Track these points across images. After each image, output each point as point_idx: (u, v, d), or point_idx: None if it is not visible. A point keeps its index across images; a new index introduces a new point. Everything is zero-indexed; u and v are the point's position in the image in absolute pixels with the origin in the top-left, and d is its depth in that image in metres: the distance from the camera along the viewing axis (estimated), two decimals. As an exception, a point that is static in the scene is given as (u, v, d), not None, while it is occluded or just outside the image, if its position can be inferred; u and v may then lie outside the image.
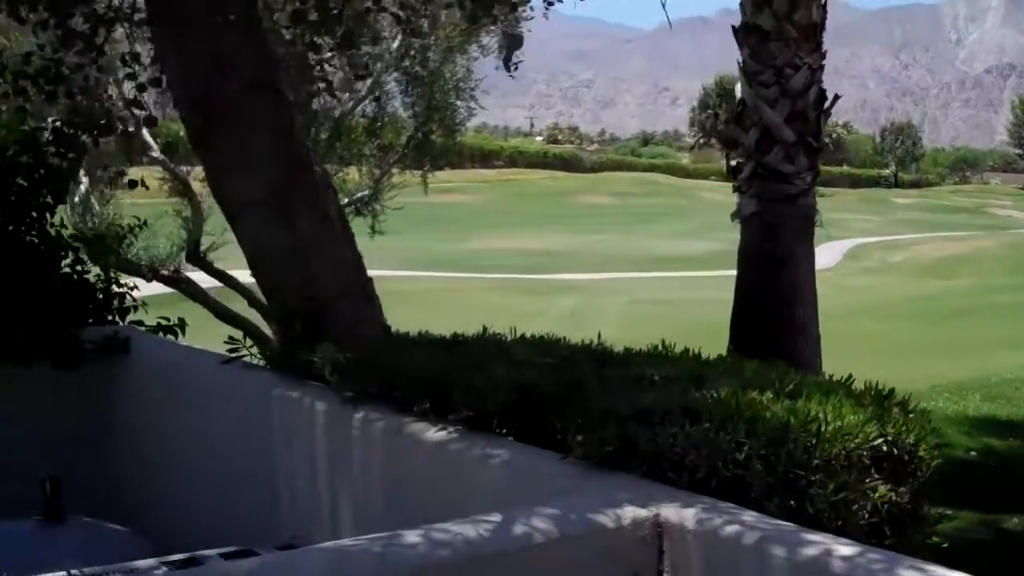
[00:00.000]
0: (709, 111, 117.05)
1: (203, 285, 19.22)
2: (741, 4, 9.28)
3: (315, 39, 6.37)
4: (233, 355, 5.35)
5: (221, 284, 19.72)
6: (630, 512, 3.31)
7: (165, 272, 18.44)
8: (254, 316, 18.73)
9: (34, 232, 6.75)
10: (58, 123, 6.75)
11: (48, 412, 6.22)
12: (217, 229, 18.30)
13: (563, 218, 70.57)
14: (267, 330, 18.52)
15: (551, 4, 5.84)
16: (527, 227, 64.55)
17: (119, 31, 6.81)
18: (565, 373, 4.34)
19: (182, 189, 20.32)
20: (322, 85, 7.22)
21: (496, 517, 3.26)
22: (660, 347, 4.94)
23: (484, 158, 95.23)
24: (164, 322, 6.96)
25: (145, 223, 7.33)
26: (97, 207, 16.06)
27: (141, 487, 6.01)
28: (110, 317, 6.79)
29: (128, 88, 8.78)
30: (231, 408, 5.36)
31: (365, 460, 4.55)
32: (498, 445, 4.04)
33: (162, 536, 5.20)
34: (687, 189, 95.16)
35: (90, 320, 6.56)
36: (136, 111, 6.77)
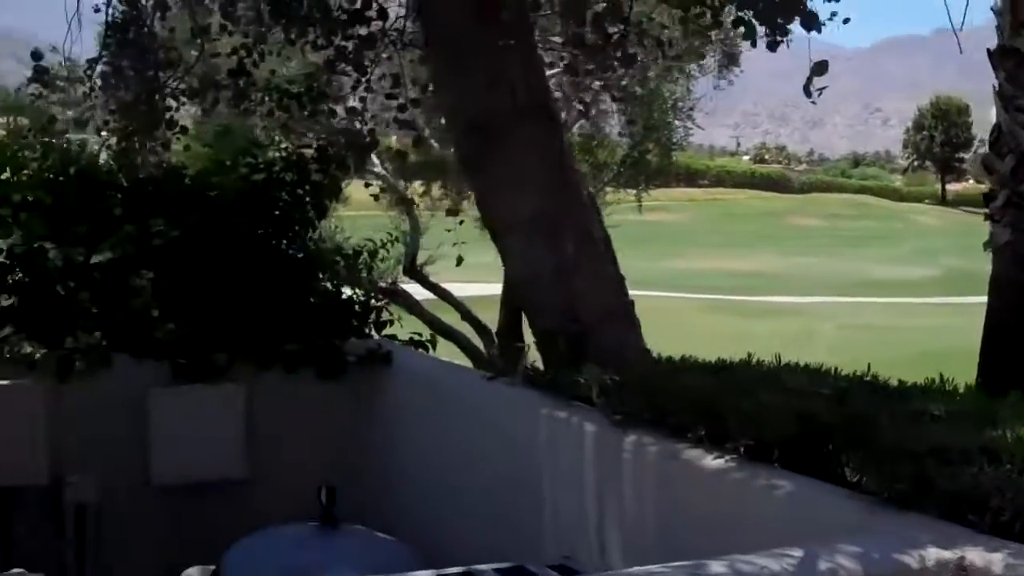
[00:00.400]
0: (924, 133, 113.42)
1: (417, 297, 19.64)
2: (997, 26, 8.96)
3: (574, 62, 6.43)
4: (496, 373, 5.43)
5: (435, 297, 20.14)
6: (933, 553, 3.21)
7: (383, 284, 18.94)
8: (467, 330, 19.06)
9: (295, 246, 7.00)
10: (322, 141, 7.00)
11: (315, 420, 6.45)
12: (433, 243, 18.70)
13: (771, 239, 69.39)
14: (479, 343, 18.84)
15: (811, 30, 5.75)
16: (734, 247, 63.70)
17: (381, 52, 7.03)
18: (846, 405, 4.25)
19: (403, 204, 20.83)
20: (579, 108, 7.31)
21: (798, 552, 3.21)
22: (937, 381, 4.81)
23: (690, 177, 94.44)
24: (416, 336, 7.13)
25: (397, 239, 7.51)
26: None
27: (402, 496, 6.15)
28: (365, 330, 6.97)
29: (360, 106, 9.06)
30: (496, 424, 5.43)
31: (636, 484, 4.54)
32: (780, 476, 3.97)
33: (422, 546, 5.31)
34: (900, 212, 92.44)
35: (350, 333, 6.74)
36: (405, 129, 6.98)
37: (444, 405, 5.95)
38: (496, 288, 26.52)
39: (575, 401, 5.01)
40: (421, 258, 19.71)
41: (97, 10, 9.29)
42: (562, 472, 4.96)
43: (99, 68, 8.38)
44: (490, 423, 5.51)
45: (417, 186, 22.43)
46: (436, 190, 22.62)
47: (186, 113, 9.17)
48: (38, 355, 5.83)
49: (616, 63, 5.61)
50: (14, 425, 5.85)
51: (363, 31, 6.21)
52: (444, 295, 20.44)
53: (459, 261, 12.89)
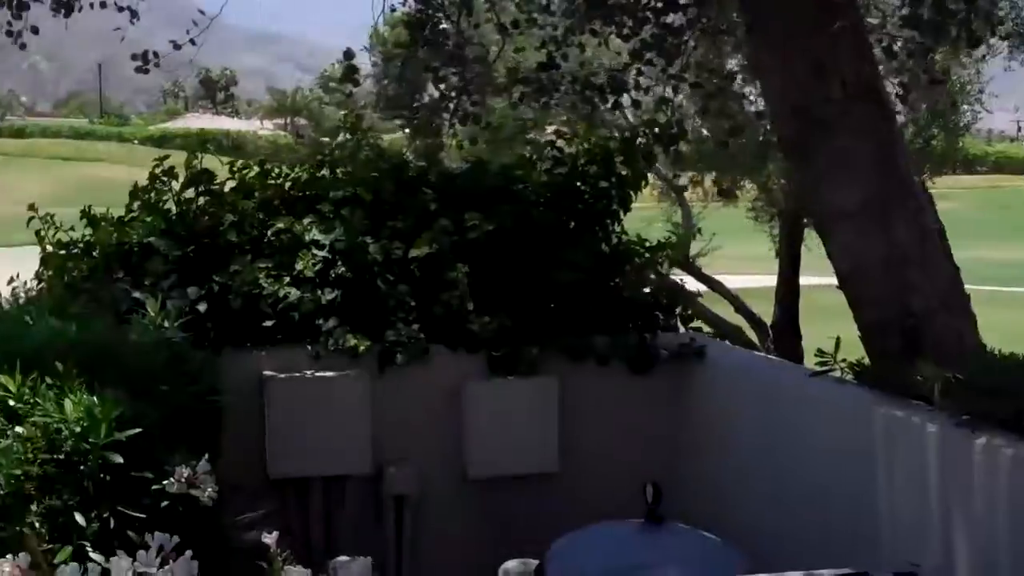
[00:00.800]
0: None
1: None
2: None
3: (892, 45, 6.15)
4: (823, 369, 5.21)
5: (707, 289, 19.87)
6: None
7: (653, 276, 18.78)
8: (740, 322, 18.73)
9: (599, 238, 6.93)
10: (628, 133, 6.91)
11: (626, 415, 6.38)
12: (704, 235, 18.45)
13: (1056, 229, 65.63)
14: (752, 336, 18.49)
15: None
16: (1015, 238, 60.63)
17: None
18: None
19: (673, 195, 20.60)
20: (899, 91, 7.02)
21: None
22: None
23: (966, 163, 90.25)
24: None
25: (699, 230, 7.37)
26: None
27: (719, 494, 6.00)
28: (672, 323, 6.85)
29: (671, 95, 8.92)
30: (821, 422, 5.22)
31: (988, 492, 4.25)
32: None
33: (744, 547, 5.15)
34: None
35: (657, 326, 6.63)
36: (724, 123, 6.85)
37: (762, 401, 5.77)
38: (767, 280, 25.92)
39: (910, 399, 4.77)
40: (692, 249, 19.46)
41: (393, 9, 9.52)
42: (901, 475, 4.71)
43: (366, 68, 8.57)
44: (815, 421, 5.30)
45: (687, 176, 22.17)
46: (708, 180, 22.34)
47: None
48: (361, 347, 5.96)
49: (962, 44, 5.29)
50: (341, 416, 6.00)
51: (676, 19, 6.09)
52: (717, 287, 20.15)
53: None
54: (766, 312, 20.40)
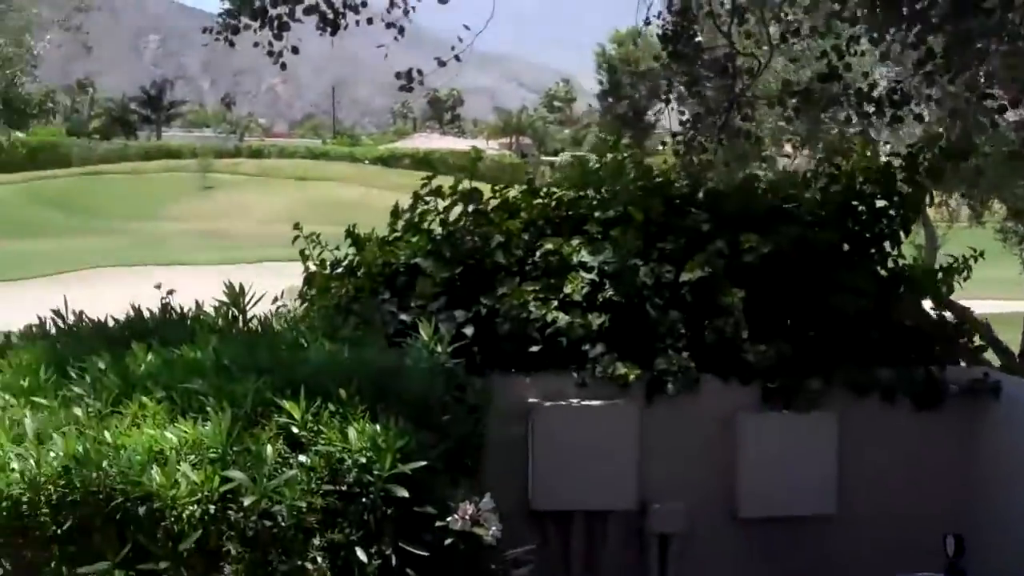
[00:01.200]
0: None
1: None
2: None
3: None
4: None
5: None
6: None
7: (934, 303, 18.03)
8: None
9: (876, 261, 6.48)
10: (913, 148, 6.44)
11: (911, 455, 5.91)
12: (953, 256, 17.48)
13: None
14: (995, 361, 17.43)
15: None
16: None
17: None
18: None
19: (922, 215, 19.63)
20: None
21: None
22: None
23: None
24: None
25: (982, 254, 6.81)
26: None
27: (1019, 539, 5.47)
28: (958, 357, 6.33)
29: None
30: None
31: None
32: None
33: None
34: None
35: (940, 359, 6.13)
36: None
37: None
38: (1012, 305, 24.50)
39: None
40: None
41: (647, 23, 9.26)
42: None
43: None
44: None
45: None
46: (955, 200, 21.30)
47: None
48: (631, 376, 5.66)
49: None
50: (607, 447, 5.70)
51: (972, 24, 5.60)
52: (963, 314, 19.09)
53: None
54: (1011, 340, 19.22)
